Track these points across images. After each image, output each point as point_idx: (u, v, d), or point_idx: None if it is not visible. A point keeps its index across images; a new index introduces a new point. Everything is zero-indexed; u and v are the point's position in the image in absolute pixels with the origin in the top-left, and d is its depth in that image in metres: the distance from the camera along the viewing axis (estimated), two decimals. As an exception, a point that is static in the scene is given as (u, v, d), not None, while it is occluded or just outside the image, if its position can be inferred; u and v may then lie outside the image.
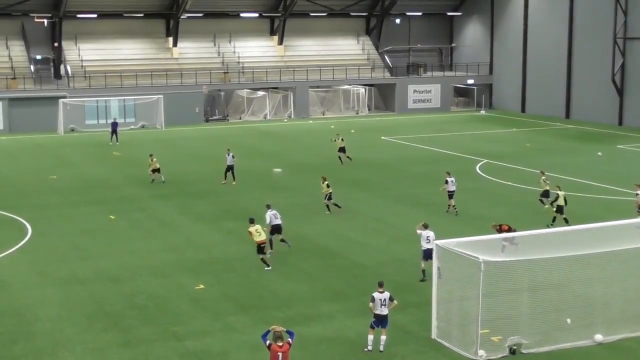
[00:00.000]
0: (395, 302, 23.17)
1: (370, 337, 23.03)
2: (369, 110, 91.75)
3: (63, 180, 50.31)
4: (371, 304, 23.01)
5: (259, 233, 31.44)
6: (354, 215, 40.24)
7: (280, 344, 19.04)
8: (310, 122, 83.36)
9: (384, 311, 22.91)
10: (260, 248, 31.43)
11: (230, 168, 48.77)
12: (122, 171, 52.99)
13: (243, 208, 41.94)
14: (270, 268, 31.28)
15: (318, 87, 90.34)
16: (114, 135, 67.37)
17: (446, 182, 40.70)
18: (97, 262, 32.45)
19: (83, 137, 70.98)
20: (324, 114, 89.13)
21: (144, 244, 35.34)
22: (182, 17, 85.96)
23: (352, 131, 73.74)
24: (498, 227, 30.45)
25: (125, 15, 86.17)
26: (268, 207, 34.21)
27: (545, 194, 40.56)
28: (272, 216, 33.61)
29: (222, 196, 44.78)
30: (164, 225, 38.74)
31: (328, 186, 40.62)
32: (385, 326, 22.96)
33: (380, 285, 23.13)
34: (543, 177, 41.13)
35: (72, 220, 39.96)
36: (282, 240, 33.60)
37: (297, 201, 43.47)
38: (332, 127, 77.67)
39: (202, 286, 29.16)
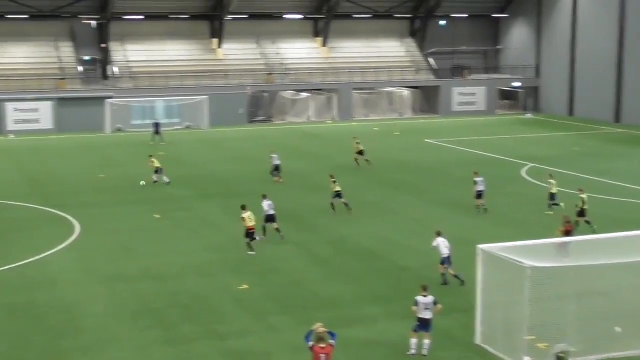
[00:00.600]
0: (439, 306, 23.08)
1: (414, 341, 22.96)
2: (412, 112, 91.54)
3: (110, 179, 50.87)
4: (414, 307, 22.95)
5: (250, 219, 33.50)
6: (396, 218, 40.23)
7: (323, 345, 19.09)
8: (354, 124, 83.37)
9: (428, 315, 22.85)
10: (249, 233, 33.42)
11: (277, 167, 49.94)
12: (167, 171, 53.32)
13: (285, 209, 42.00)
14: (254, 253, 33.17)
15: (362, 89, 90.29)
16: (158, 135, 68.02)
17: (475, 182, 40.95)
18: (142, 261, 32.82)
19: (129, 137, 71.67)
20: (367, 116, 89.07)
21: (189, 243, 35.64)
22: (226, 18, 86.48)
23: (396, 133, 73.72)
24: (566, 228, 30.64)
25: (171, 17, 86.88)
26: (264, 197, 36.36)
27: (552, 197, 40.52)
28: (268, 206, 35.74)
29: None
30: (208, 225, 39.04)
31: (335, 183, 41.11)
32: (428, 330, 22.90)
33: (424, 288, 23.09)
34: (550, 180, 41.03)
35: (119, 218, 40.43)
36: (277, 230, 35.62)
37: (340, 203, 43.48)
38: (376, 129, 77.76)
39: (245, 286, 29.34)
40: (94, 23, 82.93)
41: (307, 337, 19.43)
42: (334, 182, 41.24)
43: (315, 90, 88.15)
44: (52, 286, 29.58)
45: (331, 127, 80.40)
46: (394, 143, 67.95)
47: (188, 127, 78.84)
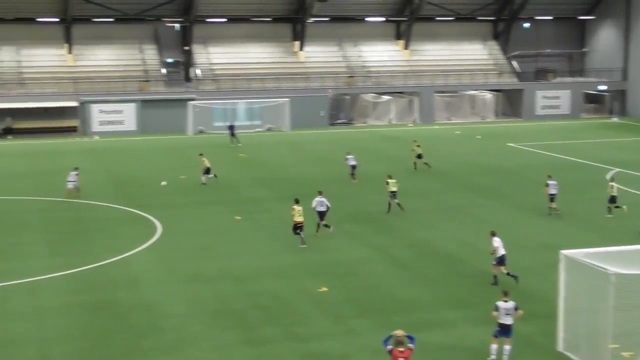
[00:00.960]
0: (520, 311, 22.77)
1: (494, 346, 22.70)
2: (495, 116, 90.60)
3: (191, 180, 51.37)
4: (495, 312, 22.69)
5: (299, 214, 35.02)
6: (477, 222, 39.80)
7: (402, 349, 18.98)
8: (435, 127, 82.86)
9: (509, 321, 22.56)
10: (295, 227, 35.04)
11: (353, 167, 50.75)
12: (248, 173, 53.76)
13: (365, 211, 42.06)
14: (305, 246, 34.69)
15: (444, 92, 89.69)
16: (233, 137, 68.78)
17: (547, 185, 40.89)
18: (222, 262, 33.06)
19: (210, 139, 72.32)
20: (449, 119, 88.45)
21: (269, 244, 35.79)
22: (308, 21, 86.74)
23: (478, 137, 73.04)
24: None
25: (253, 19, 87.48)
26: (319, 193, 37.53)
27: (612, 199, 40.74)
28: (318, 203, 36.92)
29: (345, 199, 44.92)
30: (288, 226, 38.95)
31: (389, 184, 41.58)
32: (509, 336, 22.60)
33: (505, 294, 22.81)
34: (612, 184, 41.15)
35: (200, 219, 40.82)
36: (325, 225, 36.89)
37: (419, 206, 43.29)
38: (457, 132, 77.14)
39: (324, 289, 29.32)
40: (177, 26, 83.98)
41: (386, 341, 19.33)
42: (389, 182, 41.83)
43: (397, 93, 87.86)
44: (134, 285, 29.98)
45: (412, 130, 79.96)
46: (476, 147, 67.30)
47: (269, 129, 79.29)
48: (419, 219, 40.32)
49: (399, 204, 41.40)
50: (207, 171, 50.12)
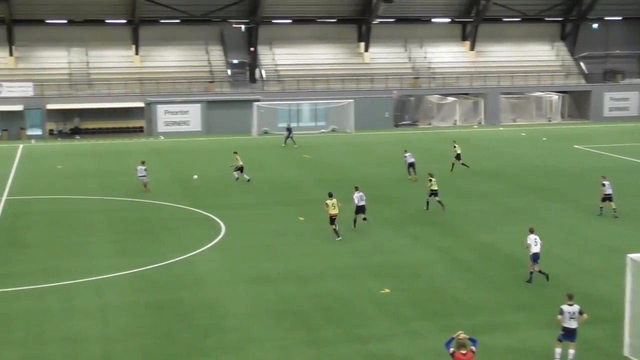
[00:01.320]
0: (585, 315, 22.46)
1: (558, 350, 22.43)
2: (561, 117, 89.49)
3: (256, 181, 51.64)
4: (559, 316, 22.41)
5: (334, 207, 36.36)
6: (542, 225, 39.22)
7: (464, 351, 18.86)
8: (501, 129, 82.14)
9: (573, 324, 22.26)
10: (332, 220, 36.38)
11: (411, 165, 51.59)
12: (312, 174, 53.85)
13: (430, 214, 41.82)
14: (341, 238, 36.18)
15: (509, 93, 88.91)
16: (289, 139, 69.25)
17: (603, 185, 41.01)
18: (285, 262, 33.15)
19: (275, 140, 72.59)
20: (515, 121, 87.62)
21: (332, 246, 35.77)
22: (374, 22, 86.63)
23: (544, 139, 72.21)
24: None
25: (318, 20, 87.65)
26: (356, 188, 38.61)
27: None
28: (359, 198, 38.04)
29: (409, 201, 44.74)
30: (351, 228, 39.09)
31: (431, 182, 42.24)
32: (573, 340, 22.30)
33: (570, 297, 22.51)
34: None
35: (263, 220, 40.99)
36: (364, 219, 38.10)
37: (483, 208, 43.02)
38: (523, 134, 76.38)
39: (387, 290, 29.23)
40: (243, 27, 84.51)
41: (448, 344, 19.23)
42: (431, 180, 42.33)
43: (462, 95, 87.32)
44: (198, 285, 30.21)
45: (477, 132, 79.43)
46: (542, 149, 66.54)
47: (334, 130, 79.37)
48: (483, 221, 40.01)
49: (439, 202, 42.13)
50: (241, 169, 51.24)
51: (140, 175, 48.69)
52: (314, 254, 34.36)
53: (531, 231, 30.55)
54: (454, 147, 55.36)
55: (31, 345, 24.45)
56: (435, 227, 38.85)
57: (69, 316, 26.93)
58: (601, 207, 41.00)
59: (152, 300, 28.46)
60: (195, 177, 51.32)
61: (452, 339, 19.27)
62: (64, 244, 36.68)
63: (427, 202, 42.34)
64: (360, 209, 38.05)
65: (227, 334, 25.13)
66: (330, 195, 36.97)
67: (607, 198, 40.91)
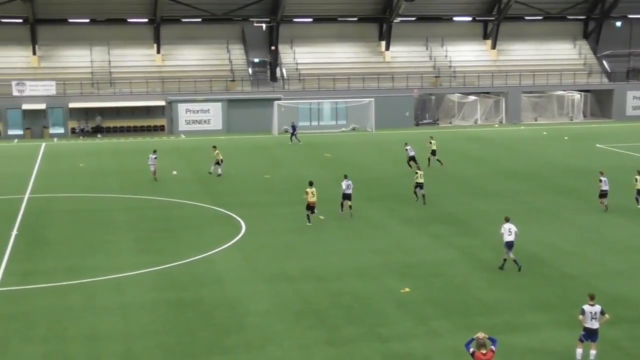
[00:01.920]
0: (607, 315, 22.33)
1: (579, 350, 22.32)
2: (584, 116, 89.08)
3: (276, 179, 51.73)
4: (581, 316, 22.30)
5: (312, 195, 39.18)
6: (564, 224, 39.20)
7: (484, 351, 18.85)
8: (522, 128, 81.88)
9: (595, 325, 22.15)
10: (309, 207, 39.30)
11: (412, 158, 54.02)
12: (332, 172, 53.81)
13: (451, 213, 41.77)
14: (310, 224, 39.07)
15: (531, 92, 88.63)
16: (294, 137, 70.10)
17: (600, 181, 42.33)
18: (305, 261, 33.17)
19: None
20: (536, 120, 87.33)
21: (352, 244, 35.78)
22: (395, 21, 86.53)
23: (565, 138, 71.91)
24: None
25: (339, 19, 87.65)
26: (345, 177, 41.75)
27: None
28: (346, 185, 41.05)
29: (430, 200, 44.66)
30: (371, 227, 39.10)
31: (418, 174, 44.26)
32: (595, 340, 22.20)
33: (592, 297, 22.39)
34: (637, 177, 42.44)
35: (284, 218, 41.04)
36: (349, 207, 40.89)
37: (505, 208, 42.78)
38: (545, 133, 76.10)
39: (407, 289, 29.20)
40: (264, 26, 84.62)
41: (468, 344, 19.23)
42: (417, 173, 44.52)
43: (483, 93, 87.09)
44: (218, 283, 30.28)
45: (498, 131, 79.18)
46: (563, 148, 66.26)
47: (354, 129, 79.36)
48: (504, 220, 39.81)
49: (423, 196, 44.04)
50: (218, 163, 53.66)
51: (150, 163, 52.22)
52: (334, 253, 34.36)
53: (506, 220, 31.74)
54: (430, 142, 56.97)
55: (54, 342, 24.59)
56: (456, 226, 38.77)
57: (91, 313, 27.07)
58: (601, 203, 42.22)
59: (173, 298, 28.56)
60: (175, 172, 53.82)
61: (472, 339, 19.25)
62: (86, 241, 36.88)
63: (415, 193, 44.34)
64: (346, 196, 41.06)
65: (247, 332, 25.18)
66: (311, 184, 39.73)
67: (603, 194, 42.07)
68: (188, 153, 65.07)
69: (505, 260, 31.46)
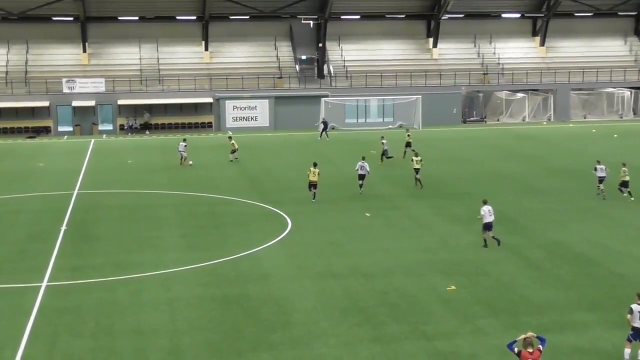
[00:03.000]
0: (656, 315, 22.08)
1: (628, 350, 22.04)
2: (634, 114, 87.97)
3: (322, 176, 51.66)
4: (629, 316, 22.04)
5: (314, 175, 43.68)
6: (614, 223, 38.74)
7: (531, 350, 18.75)
8: (571, 125, 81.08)
9: (643, 324, 21.91)
10: (310, 185, 43.88)
11: (384, 152, 56.82)
12: (379, 169, 53.66)
13: (498, 211, 41.27)
14: (314, 201, 43.63)
15: (580, 89, 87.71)
16: (324, 133, 71.09)
17: (595, 169, 44.71)
18: (351, 258, 33.14)
19: (342, 136, 72.66)
20: (585, 118, 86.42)
21: (398, 242, 35.70)
22: (443, 18, 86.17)
23: (615, 136, 71.07)
24: None
25: (387, 16, 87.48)
26: (363, 158, 46.73)
27: (624, 184, 43.95)
28: (360, 167, 45.99)
29: (478, 198, 44.06)
30: (418, 225, 38.97)
31: (414, 160, 47.92)
32: (643, 340, 21.96)
33: (640, 297, 22.16)
34: (624, 169, 44.01)
35: (330, 215, 41.06)
36: (360, 186, 45.92)
37: (553, 206, 42.52)
38: (594, 131, 75.30)
39: (453, 287, 29.05)
40: (311, 23, 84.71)
41: (510, 345, 19.20)
42: (413, 160, 48.15)
43: (532, 91, 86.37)
44: (264, 280, 30.37)
45: (547, 129, 78.47)
46: (613, 146, 65.46)
47: (400, 126, 79.13)
48: (553, 219, 39.53)
49: (419, 180, 47.42)
50: (234, 152, 58.54)
51: (180, 150, 57.20)
52: (380, 250, 34.30)
53: (484, 202, 34.29)
54: (408, 135, 59.94)
55: (101, 336, 24.84)
56: (503, 224, 38.45)
57: (138, 309, 27.30)
58: (601, 189, 44.41)
59: (219, 294, 28.70)
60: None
61: (515, 341, 19.26)
62: (134, 237, 37.22)
63: (416, 179, 47.63)
64: (360, 177, 45.97)
65: (292, 329, 25.22)
66: (315, 165, 44.45)
67: (601, 181, 44.39)
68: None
69: (485, 240, 34.08)
